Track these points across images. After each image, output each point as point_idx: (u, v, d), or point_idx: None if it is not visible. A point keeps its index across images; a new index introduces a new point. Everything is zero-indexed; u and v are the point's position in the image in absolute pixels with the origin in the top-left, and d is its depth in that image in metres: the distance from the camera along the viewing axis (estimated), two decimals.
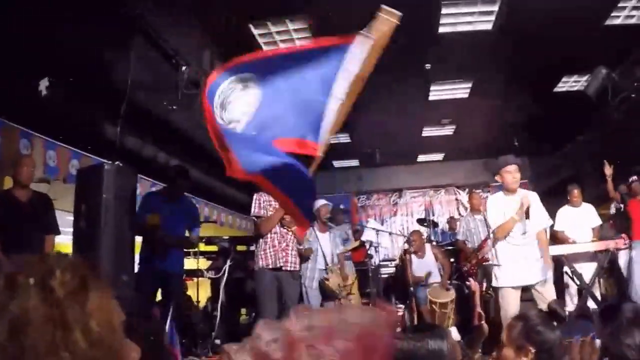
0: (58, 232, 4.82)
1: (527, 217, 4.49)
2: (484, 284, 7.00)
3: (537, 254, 4.53)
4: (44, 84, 4.49)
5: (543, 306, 4.29)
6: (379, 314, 1.03)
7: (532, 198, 4.64)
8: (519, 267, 4.47)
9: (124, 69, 5.31)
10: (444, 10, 6.76)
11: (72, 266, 0.96)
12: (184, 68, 6.29)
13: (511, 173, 4.51)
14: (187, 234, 5.44)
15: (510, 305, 4.41)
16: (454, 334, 6.28)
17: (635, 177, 7.15)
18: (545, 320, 2.38)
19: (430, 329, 1.71)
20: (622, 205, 7.38)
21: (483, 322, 3.01)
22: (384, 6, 2.93)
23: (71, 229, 4.51)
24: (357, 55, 3.00)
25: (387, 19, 2.95)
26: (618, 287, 7.40)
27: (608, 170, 7.23)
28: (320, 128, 3.29)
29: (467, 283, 6.65)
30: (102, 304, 0.96)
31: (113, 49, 5.28)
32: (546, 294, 4.41)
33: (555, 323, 2.67)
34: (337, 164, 13.25)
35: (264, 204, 5.10)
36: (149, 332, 3.55)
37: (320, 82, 3.18)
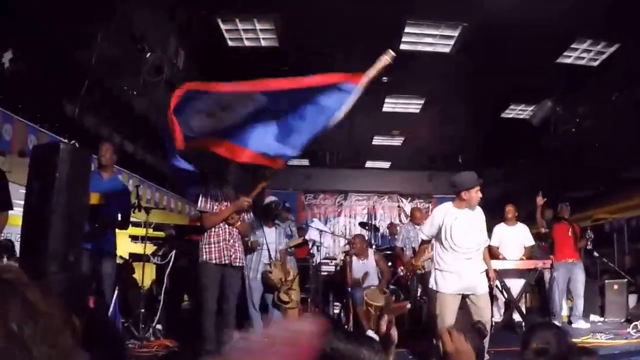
0: (10, 208, 4.69)
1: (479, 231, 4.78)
2: (419, 290, 7.37)
3: (481, 267, 4.80)
4: (7, 57, 4.44)
5: (475, 317, 4.55)
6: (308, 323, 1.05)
7: (481, 215, 4.93)
8: (462, 277, 4.67)
9: (90, 49, 5.30)
10: (407, 29, 7.07)
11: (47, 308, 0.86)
12: (148, 55, 6.32)
13: (478, 192, 4.71)
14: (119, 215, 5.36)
15: (448, 312, 4.60)
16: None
17: (564, 204, 7.69)
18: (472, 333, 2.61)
19: (366, 340, 1.70)
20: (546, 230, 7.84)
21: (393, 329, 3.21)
22: (389, 50, 3.57)
23: (23, 202, 4.44)
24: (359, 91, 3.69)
25: (386, 60, 3.46)
26: (542, 302, 7.94)
27: (540, 201, 7.60)
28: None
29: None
30: (65, 341, 0.89)
31: (81, 27, 5.26)
32: (480, 305, 4.66)
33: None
34: None
35: (211, 199, 5.15)
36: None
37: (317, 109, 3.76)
